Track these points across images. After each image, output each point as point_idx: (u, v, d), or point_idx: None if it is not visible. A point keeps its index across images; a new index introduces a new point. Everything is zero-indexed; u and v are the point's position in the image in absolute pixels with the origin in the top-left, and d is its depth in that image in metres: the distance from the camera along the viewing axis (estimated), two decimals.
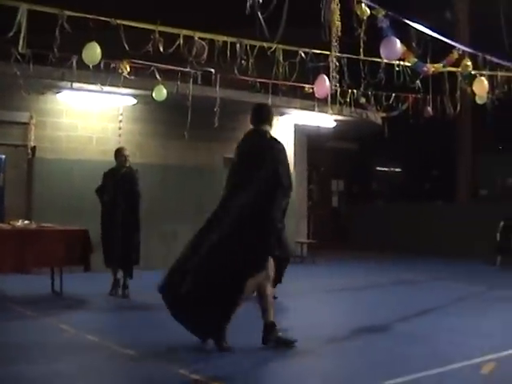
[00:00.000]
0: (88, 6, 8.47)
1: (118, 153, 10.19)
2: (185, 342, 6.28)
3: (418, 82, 11.91)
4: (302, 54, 9.95)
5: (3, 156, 12.53)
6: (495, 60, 11.05)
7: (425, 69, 10.34)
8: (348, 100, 14.35)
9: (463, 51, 10.46)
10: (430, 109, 14.35)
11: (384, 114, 15.82)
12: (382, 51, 7.62)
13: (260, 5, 6.49)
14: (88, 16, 8.30)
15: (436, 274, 13.84)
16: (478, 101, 12.56)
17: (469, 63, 10.68)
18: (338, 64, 8.39)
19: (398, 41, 7.53)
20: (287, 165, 6.34)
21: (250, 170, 6.30)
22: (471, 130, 18.91)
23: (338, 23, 6.87)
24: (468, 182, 19.18)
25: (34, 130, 12.49)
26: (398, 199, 21.03)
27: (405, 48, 8.79)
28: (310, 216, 18.76)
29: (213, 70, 11.21)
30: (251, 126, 6.66)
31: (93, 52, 8.62)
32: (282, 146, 6.45)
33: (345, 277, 13.55)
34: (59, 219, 11.05)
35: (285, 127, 15.82)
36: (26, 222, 9.71)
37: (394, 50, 7.48)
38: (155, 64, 10.91)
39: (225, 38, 9.12)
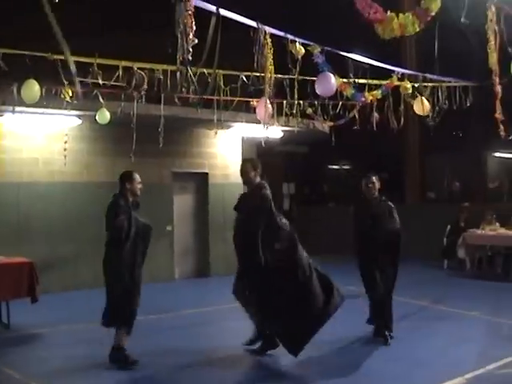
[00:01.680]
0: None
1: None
2: None
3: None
4: (244, 78, 10.02)
5: None
6: (435, 77, 11.28)
7: (362, 98, 10.57)
8: (294, 111, 14.53)
9: (403, 74, 10.65)
10: (376, 115, 14.55)
11: (331, 123, 16.00)
12: (317, 87, 7.74)
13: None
14: (24, 52, 8.26)
15: None
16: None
17: (408, 85, 10.88)
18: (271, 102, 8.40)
19: (332, 76, 7.65)
20: None
21: None
22: (419, 134, 19.21)
23: (271, 67, 6.98)
24: (416, 185, 19.51)
25: None
26: (348, 201, 21.32)
27: (341, 81, 8.97)
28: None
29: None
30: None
31: (31, 91, 8.61)
32: None
33: None
34: (7, 244, 11.05)
35: (232, 139, 15.90)
36: None
37: (328, 86, 7.60)
38: (98, 89, 10.83)
39: (164, 67, 9.15)
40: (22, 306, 9.60)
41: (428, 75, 10.96)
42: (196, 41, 5.45)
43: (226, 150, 15.88)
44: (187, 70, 5.66)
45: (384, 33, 5.55)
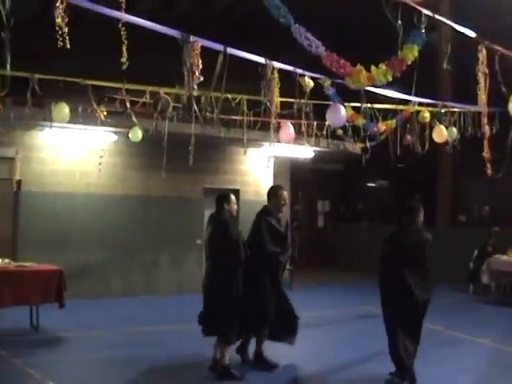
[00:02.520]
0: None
1: None
2: None
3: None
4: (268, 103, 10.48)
5: None
6: (455, 105, 11.58)
7: (375, 129, 10.95)
8: (325, 132, 14.95)
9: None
10: (409, 137, 14.82)
11: (362, 145, 16.35)
12: (328, 118, 8.17)
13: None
14: (58, 78, 8.91)
15: None
16: (449, 137, 13.14)
17: (426, 114, 11.22)
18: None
19: (342, 108, 8.07)
20: None
21: None
22: (451, 157, 19.32)
23: (278, 100, 7.45)
24: (447, 208, 19.67)
25: (19, 164, 13.11)
26: (382, 220, 21.55)
27: (351, 112, 9.40)
28: (296, 237, 19.30)
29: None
30: None
31: (60, 112, 9.26)
32: None
33: (317, 307, 13.43)
34: (45, 250, 11.71)
35: (264, 158, 16.39)
36: (6, 260, 10.27)
37: (339, 117, 8.02)
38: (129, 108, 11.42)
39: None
40: (52, 310, 10.14)
41: (447, 103, 11.23)
42: (202, 78, 5.95)
43: (257, 167, 16.36)
44: (192, 103, 6.17)
45: (352, 84, 6.00)
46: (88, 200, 13.85)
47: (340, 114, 7.91)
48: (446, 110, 11.90)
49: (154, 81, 10.19)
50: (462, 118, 12.62)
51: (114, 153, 14.05)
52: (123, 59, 4.68)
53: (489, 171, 8.50)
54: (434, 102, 11.30)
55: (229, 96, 10.09)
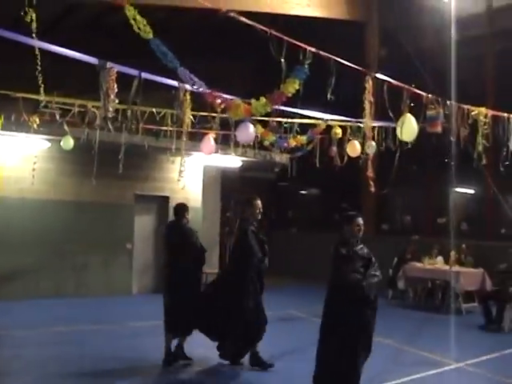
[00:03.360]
0: None
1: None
2: None
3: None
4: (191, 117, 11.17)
5: None
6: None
7: (285, 144, 11.78)
8: (251, 143, 15.72)
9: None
10: (334, 148, 15.63)
11: (289, 155, 17.18)
12: (238, 136, 8.87)
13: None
14: None
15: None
16: (367, 150, 14.05)
17: (338, 131, 12.10)
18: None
19: (251, 126, 8.79)
20: None
21: None
22: (375, 168, 20.27)
23: (188, 120, 8.18)
24: (372, 217, 20.63)
25: None
26: (310, 228, 22.45)
27: (262, 130, 10.21)
28: (227, 243, 19.98)
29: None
30: None
31: None
32: None
33: None
34: None
35: (194, 166, 17.08)
36: None
37: (247, 134, 8.73)
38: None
39: (117, 106, 10.32)
40: None
41: (358, 120, 12.04)
42: (117, 101, 6.64)
43: (187, 176, 17.00)
44: (108, 125, 6.87)
45: (233, 116, 6.83)
46: (21, 205, 14.33)
47: (249, 131, 8.62)
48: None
49: (85, 92, 10.77)
50: (381, 132, 13.56)
51: (48, 159, 14.56)
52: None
53: (372, 188, 9.36)
54: (345, 119, 12.09)
55: (154, 110, 10.78)
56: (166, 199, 16.67)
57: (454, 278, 14.80)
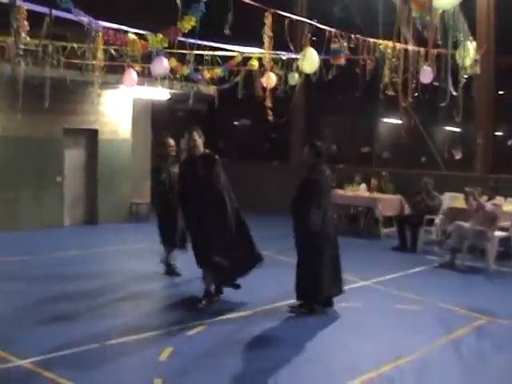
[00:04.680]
0: None
1: None
2: None
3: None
4: (112, 51, 11.33)
5: None
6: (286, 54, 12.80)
7: (199, 77, 12.12)
8: (178, 76, 15.97)
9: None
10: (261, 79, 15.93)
11: (216, 87, 17.48)
12: (152, 69, 9.19)
13: None
14: None
15: None
16: (291, 81, 14.48)
17: (254, 62, 12.47)
18: None
19: (164, 59, 9.10)
20: None
21: None
22: (304, 97, 20.70)
23: (101, 56, 8.46)
24: (300, 146, 21.20)
25: None
26: (242, 159, 22.93)
27: (175, 63, 10.55)
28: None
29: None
30: None
31: None
32: None
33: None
34: None
35: (123, 99, 17.28)
36: None
37: (161, 67, 9.05)
38: None
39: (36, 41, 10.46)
40: None
41: (278, 52, 12.37)
42: (28, 39, 6.90)
43: (115, 108, 17.25)
44: (20, 63, 7.13)
45: (131, 51, 7.24)
46: None
47: (163, 64, 8.96)
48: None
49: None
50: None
51: None
52: None
53: (270, 117, 9.97)
54: (260, 51, 12.34)
55: (74, 45, 10.96)
56: (94, 132, 16.88)
57: (374, 204, 15.58)
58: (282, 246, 11.47)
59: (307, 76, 14.82)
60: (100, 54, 8.35)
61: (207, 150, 8.77)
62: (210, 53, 12.16)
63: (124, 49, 7.17)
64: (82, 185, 16.95)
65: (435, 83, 10.08)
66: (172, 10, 6.97)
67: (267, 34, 8.06)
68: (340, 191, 16.95)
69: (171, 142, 10.89)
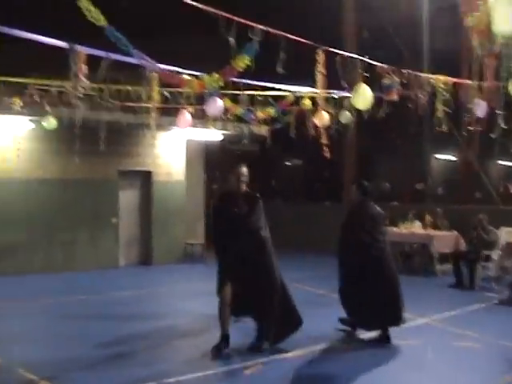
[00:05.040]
0: None
1: None
2: None
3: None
4: (166, 93, 11.54)
5: None
6: (337, 92, 12.86)
7: (252, 117, 12.23)
8: (230, 116, 16.18)
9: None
10: (314, 120, 15.99)
11: (268, 127, 17.63)
12: (207, 109, 9.31)
13: None
14: None
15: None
16: (342, 120, 14.52)
17: (307, 102, 12.53)
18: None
19: (219, 100, 9.23)
20: None
21: None
22: (356, 137, 20.76)
23: (157, 97, 8.61)
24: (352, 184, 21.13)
25: None
26: (294, 198, 22.99)
27: (230, 103, 10.69)
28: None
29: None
30: None
31: None
32: None
33: None
34: None
35: (176, 141, 17.53)
36: None
37: (216, 108, 9.18)
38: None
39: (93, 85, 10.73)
40: None
41: (330, 91, 12.43)
42: (87, 82, 7.10)
43: (169, 150, 17.51)
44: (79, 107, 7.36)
45: (189, 89, 7.35)
46: (9, 184, 14.75)
47: (217, 104, 9.09)
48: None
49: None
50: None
51: (32, 139, 14.94)
52: None
53: (327, 154, 9.95)
54: (312, 90, 12.41)
55: (129, 88, 11.21)
56: (148, 174, 17.15)
57: (429, 240, 15.36)
58: (335, 285, 11.39)
59: (359, 114, 14.94)
60: (155, 95, 8.47)
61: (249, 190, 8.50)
62: (263, 93, 12.30)
63: (182, 88, 7.25)
64: (136, 226, 17.18)
65: (489, 116, 10.03)
66: (226, 49, 7.11)
67: (320, 71, 8.12)
68: (394, 229, 16.78)
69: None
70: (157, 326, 9.78)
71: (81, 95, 7.03)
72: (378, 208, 9.10)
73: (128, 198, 16.92)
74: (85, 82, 7.04)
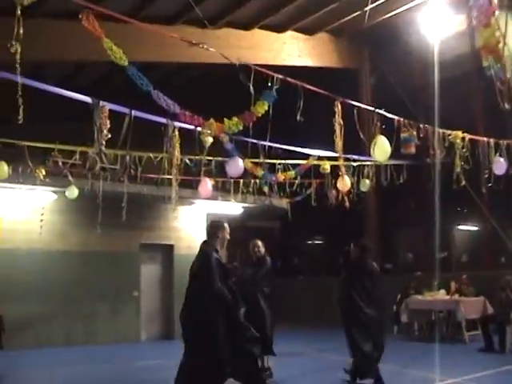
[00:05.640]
0: None
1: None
2: None
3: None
4: (187, 161, 11.66)
5: None
6: (357, 157, 12.99)
7: (274, 179, 12.35)
8: (251, 189, 16.29)
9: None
10: (334, 192, 16.03)
11: (288, 200, 17.71)
12: (228, 170, 9.45)
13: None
14: None
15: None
16: (362, 188, 14.60)
17: (326, 166, 12.66)
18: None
19: (240, 160, 9.39)
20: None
21: None
22: (376, 209, 20.79)
23: (178, 154, 8.72)
24: (375, 257, 20.99)
25: None
26: (317, 273, 22.83)
27: (250, 164, 10.82)
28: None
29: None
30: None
31: (1, 170, 10.47)
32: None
33: None
34: None
35: (196, 214, 17.63)
36: None
37: (237, 167, 9.32)
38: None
39: (112, 152, 10.87)
40: None
41: (350, 156, 12.57)
42: (109, 135, 7.25)
43: (190, 224, 17.58)
44: (102, 159, 7.49)
45: (206, 132, 7.48)
46: (30, 255, 14.85)
47: (238, 165, 9.23)
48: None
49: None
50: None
51: (54, 211, 15.13)
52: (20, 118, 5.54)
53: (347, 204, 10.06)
54: (334, 155, 12.53)
55: (151, 155, 11.39)
56: (170, 247, 17.18)
57: (455, 306, 15.10)
58: None
59: (378, 182, 15.01)
60: (177, 153, 8.54)
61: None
62: (283, 161, 12.53)
63: (201, 130, 7.35)
64: (158, 299, 17.10)
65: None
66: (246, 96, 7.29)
67: (338, 122, 8.23)
68: (419, 297, 16.59)
69: (259, 243, 10.61)
70: None
71: (104, 148, 7.14)
72: (375, 264, 9.84)
73: (149, 271, 16.92)
74: (108, 136, 7.18)
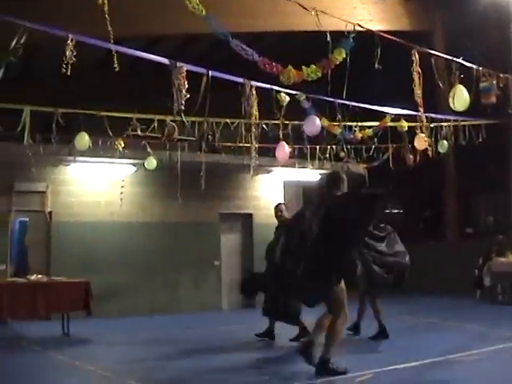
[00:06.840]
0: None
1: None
2: None
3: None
4: (264, 126, 11.74)
5: (27, 219, 14.78)
6: (435, 116, 12.76)
7: (351, 136, 12.21)
8: (328, 155, 16.24)
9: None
10: (411, 156, 15.82)
11: (365, 165, 17.57)
12: (305, 128, 9.43)
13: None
14: (78, 111, 10.41)
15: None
16: (440, 149, 14.37)
17: (404, 124, 12.46)
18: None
19: (317, 118, 9.35)
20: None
21: None
22: (455, 172, 20.40)
23: (256, 113, 8.72)
24: (455, 222, 20.68)
25: (50, 197, 14.57)
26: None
27: (328, 123, 10.72)
28: None
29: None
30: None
31: (82, 140, 10.74)
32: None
33: None
34: (74, 274, 12.85)
35: (274, 183, 17.68)
36: (39, 276, 11.59)
37: (314, 126, 9.29)
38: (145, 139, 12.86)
39: (192, 119, 11.04)
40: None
41: (427, 114, 12.32)
42: (188, 95, 7.34)
43: (268, 192, 17.62)
44: (182, 118, 7.60)
45: (285, 79, 7.38)
46: (112, 227, 15.21)
47: (315, 123, 9.20)
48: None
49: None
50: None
51: (134, 183, 15.41)
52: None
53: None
54: (411, 113, 12.29)
55: (228, 121, 11.48)
56: (249, 216, 17.30)
57: None
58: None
59: (456, 143, 14.72)
60: (255, 111, 8.53)
61: None
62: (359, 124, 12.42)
63: (280, 76, 7.31)
64: (238, 269, 17.24)
65: None
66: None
67: (416, 71, 8.10)
68: (502, 259, 16.26)
69: (282, 206, 10.45)
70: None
71: (183, 107, 7.22)
72: None
73: (229, 240, 17.09)
74: (186, 96, 7.26)
